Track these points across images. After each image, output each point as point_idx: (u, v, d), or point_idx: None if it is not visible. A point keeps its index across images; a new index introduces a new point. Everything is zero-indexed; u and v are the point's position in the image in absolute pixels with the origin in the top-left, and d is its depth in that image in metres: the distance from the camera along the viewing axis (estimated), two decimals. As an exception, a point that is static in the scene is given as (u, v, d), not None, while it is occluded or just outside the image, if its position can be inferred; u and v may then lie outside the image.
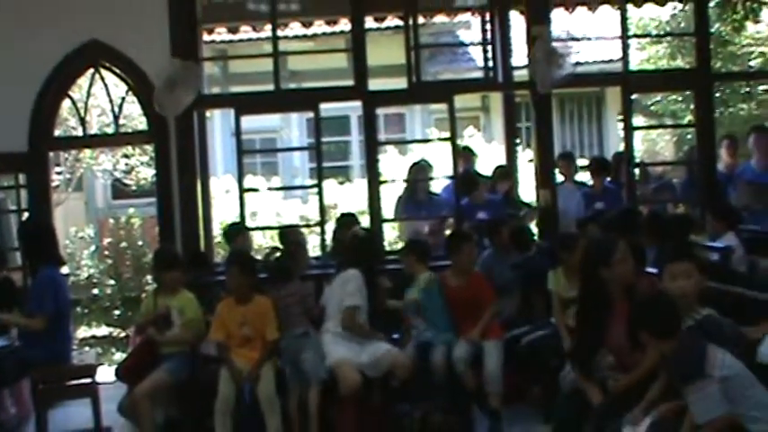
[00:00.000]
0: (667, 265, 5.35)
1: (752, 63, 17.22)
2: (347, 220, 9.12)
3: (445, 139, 9.79)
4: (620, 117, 10.20)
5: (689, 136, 14.89)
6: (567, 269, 7.35)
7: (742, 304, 6.12)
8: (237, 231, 8.95)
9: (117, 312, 13.94)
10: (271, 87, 9.43)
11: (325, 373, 7.06)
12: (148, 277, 12.90)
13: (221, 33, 12.62)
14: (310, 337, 7.31)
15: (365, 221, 9.31)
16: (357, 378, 6.95)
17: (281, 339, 7.24)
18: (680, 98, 17.53)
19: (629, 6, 10.12)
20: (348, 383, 6.91)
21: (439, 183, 10.69)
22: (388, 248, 9.62)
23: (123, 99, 9.60)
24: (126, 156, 15.73)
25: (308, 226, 10.33)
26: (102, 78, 9.37)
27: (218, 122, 17.37)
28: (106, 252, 14.93)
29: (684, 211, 10.04)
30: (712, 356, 4.74)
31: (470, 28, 15.51)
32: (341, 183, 15.09)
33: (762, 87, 17.38)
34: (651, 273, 6.29)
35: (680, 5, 14.80)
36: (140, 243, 14.63)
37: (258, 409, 6.90)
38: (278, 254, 8.22)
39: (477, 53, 13.52)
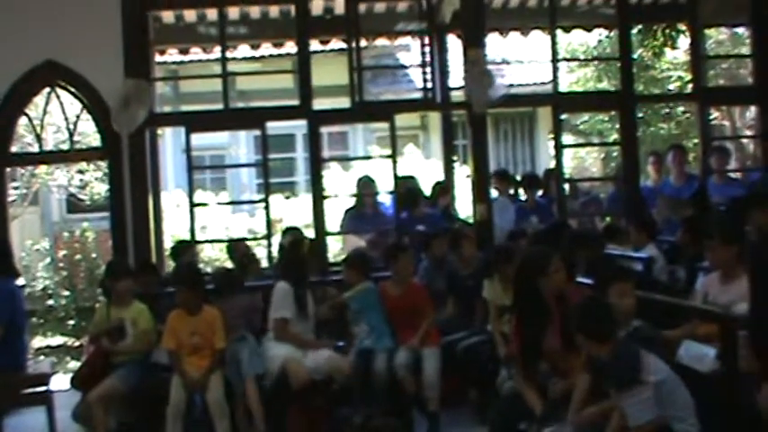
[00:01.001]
0: (613, 284, 5.39)
1: (671, 86, 17.46)
2: (292, 233, 9.11)
3: (386, 157, 9.79)
4: (551, 135, 10.30)
5: (614, 153, 15.05)
6: (503, 279, 7.38)
7: (663, 310, 6.19)
8: (183, 249, 8.89)
9: (71, 322, 13.75)
10: (220, 106, 9.40)
11: (262, 368, 7.07)
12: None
13: (173, 54, 12.51)
14: (247, 339, 7.30)
15: (310, 235, 9.30)
16: (306, 373, 7.00)
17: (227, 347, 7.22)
18: (606, 118, 17.70)
19: (559, 32, 10.20)
20: (298, 377, 6.95)
21: (381, 198, 10.67)
22: (332, 260, 9.58)
23: (78, 117, 9.50)
24: (80, 171, 15.50)
25: (255, 239, 10.28)
26: (58, 97, 9.27)
27: (170, 140, 17.22)
28: (61, 264, 14.72)
29: (610, 223, 10.13)
30: (647, 363, 4.79)
31: (410, 51, 15.58)
32: (287, 197, 15.01)
33: (680, 109, 17.64)
34: (580, 282, 6.35)
35: (605, 32, 14.99)
36: (94, 255, 14.44)
37: (208, 415, 6.85)
38: (229, 266, 8.20)
39: (416, 75, 13.58)
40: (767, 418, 5.03)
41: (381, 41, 13.84)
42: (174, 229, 11.40)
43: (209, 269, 10.23)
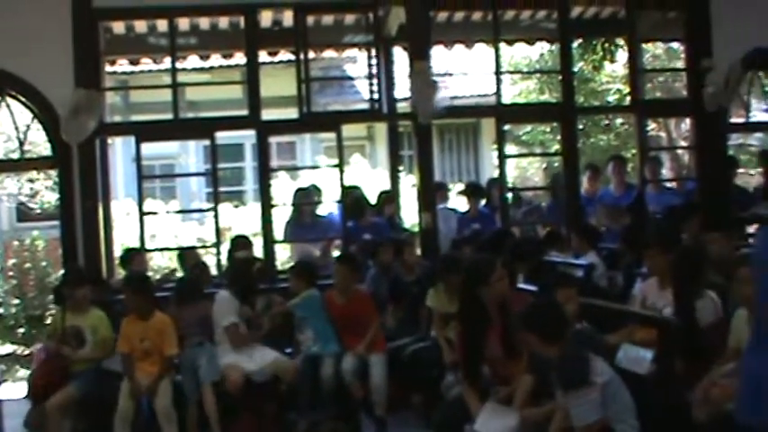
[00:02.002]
0: (558, 290, 5.41)
1: (610, 98, 17.62)
2: (241, 241, 9.06)
3: (333, 166, 9.78)
4: (494, 146, 10.35)
5: (556, 163, 15.14)
6: (448, 287, 7.38)
7: (603, 315, 6.24)
8: (132, 256, 8.79)
9: (21, 330, 13.51)
10: (170, 116, 9.32)
11: (218, 375, 7.05)
12: (52, 296, 12.58)
13: (123, 65, 12.38)
14: (205, 346, 7.24)
15: (258, 243, 9.25)
16: (240, 377, 6.99)
17: (181, 352, 7.17)
18: (547, 129, 17.81)
19: (502, 45, 10.27)
20: (232, 381, 6.95)
21: (328, 207, 10.64)
22: (280, 268, 9.55)
23: (28, 126, 9.34)
24: (31, 180, 15.29)
25: (204, 247, 10.20)
26: (8, 106, 9.11)
27: (120, 149, 17.03)
28: (11, 273, 14.48)
29: (551, 231, 10.18)
30: (594, 365, 4.81)
31: (357, 63, 15.58)
32: (236, 206, 14.90)
33: (619, 120, 17.82)
34: (522, 289, 6.38)
35: (547, 46, 15.08)
36: (44, 264, 14.22)
37: (156, 421, 6.78)
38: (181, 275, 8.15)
39: (363, 86, 13.55)
40: (698, 418, 5.13)
41: (329, 53, 13.80)
42: (124, 237, 11.27)
43: (158, 276, 10.11)
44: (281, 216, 10.02)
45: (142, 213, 9.23)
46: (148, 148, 9.65)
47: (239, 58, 10.75)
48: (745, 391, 4.00)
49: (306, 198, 10.21)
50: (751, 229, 10.29)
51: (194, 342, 7.25)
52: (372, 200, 10.60)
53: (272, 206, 9.37)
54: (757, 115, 11.84)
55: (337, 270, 7.69)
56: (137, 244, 9.33)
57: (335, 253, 9.67)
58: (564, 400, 4.84)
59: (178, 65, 9.61)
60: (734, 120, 11.20)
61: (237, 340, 7.27)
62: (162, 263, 12.10)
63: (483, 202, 10.83)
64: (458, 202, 11.63)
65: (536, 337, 5.01)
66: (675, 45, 14.10)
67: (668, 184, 11.49)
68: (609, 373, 4.86)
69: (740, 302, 5.55)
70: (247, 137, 12.83)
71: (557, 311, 5.12)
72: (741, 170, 14.11)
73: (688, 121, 12.06)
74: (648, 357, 5.51)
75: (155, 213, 11.14)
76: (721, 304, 6.08)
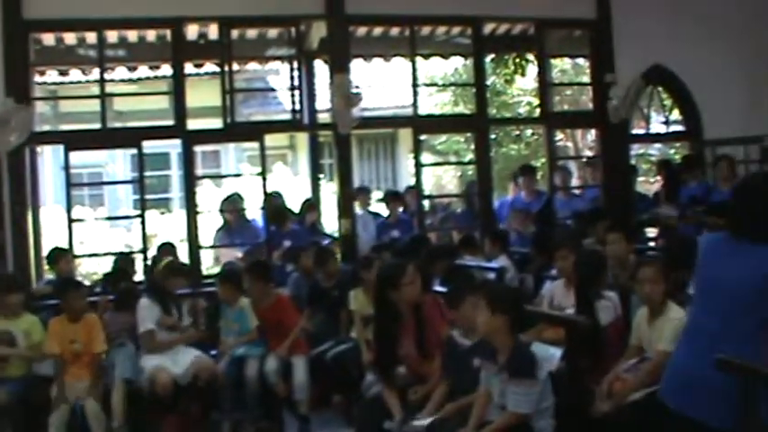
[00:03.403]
0: (467, 298, 5.46)
1: (521, 110, 17.91)
2: (166, 248, 8.99)
3: (256, 174, 9.76)
4: (411, 155, 10.43)
5: (470, 172, 15.31)
6: (366, 289, 7.44)
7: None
8: (59, 255, 8.64)
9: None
10: (98, 126, 9.18)
11: (132, 374, 6.96)
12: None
13: (52, 75, 12.22)
14: (126, 346, 7.17)
15: (184, 249, 9.20)
16: (169, 380, 6.89)
17: (107, 357, 7.10)
18: (462, 139, 18.03)
19: (419, 59, 10.35)
20: (161, 383, 6.84)
21: (252, 214, 10.61)
22: (205, 273, 9.49)
23: (-42, 135, 9.17)
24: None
25: (131, 253, 10.10)
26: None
27: (49, 157, 16.74)
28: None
29: (465, 236, 10.30)
30: (537, 363, 4.92)
31: (280, 75, 15.55)
32: (162, 213, 14.79)
33: (529, 131, 18.10)
34: (437, 291, 6.45)
35: (461, 60, 15.26)
36: (-28, 270, 13.92)
37: (88, 425, 6.67)
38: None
39: (285, 97, 13.49)
40: (601, 410, 5.26)
41: (253, 65, 13.82)
42: (52, 244, 11.07)
43: (87, 282, 9.96)
44: (207, 223, 9.97)
45: (71, 220, 9.09)
46: (77, 157, 9.53)
47: (166, 69, 10.69)
48: (673, 379, 4.17)
49: (231, 206, 10.19)
50: (650, 231, 10.58)
51: (117, 343, 7.17)
52: (294, 207, 10.62)
53: (198, 213, 9.31)
54: (656, 127, 12.13)
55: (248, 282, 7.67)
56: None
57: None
58: (507, 382, 4.88)
59: (106, 76, 9.49)
60: (635, 131, 11.48)
61: (152, 346, 7.16)
62: (90, 269, 11.92)
63: (401, 209, 10.91)
64: (380, 207, 11.70)
65: (504, 321, 4.94)
66: (581, 61, 14.39)
67: (576, 191, 11.70)
68: (544, 374, 4.96)
69: (641, 301, 5.69)
70: (173, 146, 12.70)
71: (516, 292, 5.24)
72: (641, 178, 14.48)
73: (593, 131, 12.28)
74: (557, 355, 5.63)
75: (83, 220, 10.98)
76: (621, 304, 6.22)
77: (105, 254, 10.24)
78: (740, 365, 3.79)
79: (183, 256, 9.16)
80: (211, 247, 10.05)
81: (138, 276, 8.92)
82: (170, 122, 9.41)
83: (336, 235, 9.95)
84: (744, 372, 3.77)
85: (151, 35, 10.24)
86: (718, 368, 3.81)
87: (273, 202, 10.01)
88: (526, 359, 4.90)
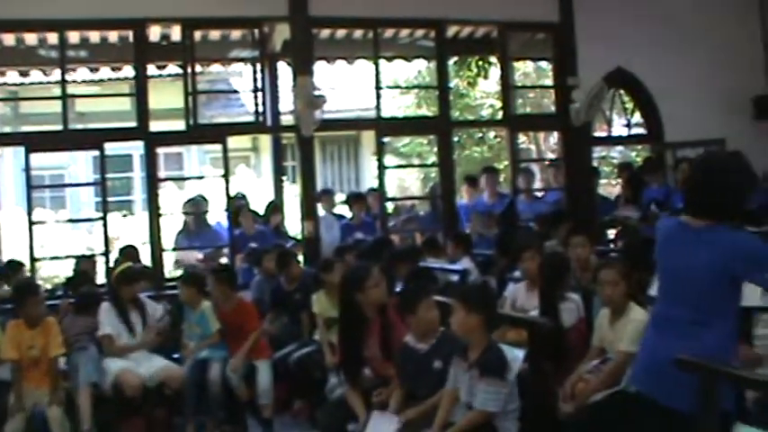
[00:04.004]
0: (422, 302, 5.46)
1: (483, 113, 17.97)
2: (128, 251, 8.93)
3: (219, 177, 9.73)
4: (375, 157, 10.43)
5: (433, 174, 15.34)
6: (329, 291, 7.44)
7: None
8: (15, 269, 8.50)
9: None
10: (59, 127, 9.11)
11: (97, 377, 6.89)
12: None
13: (13, 76, 12.11)
14: (88, 350, 7.07)
15: (146, 252, 9.14)
16: (138, 381, 6.87)
17: (68, 359, 7.00)
18: (425, 142, 18.05)
19: (382, 62, 10.38)
20: (131, 385, 6.81)
21: (216, 216, 10.57)
22: (168, 276, 9.44)
23: None
24: None
25: (93, 256, 10.02)
26: None
27: (10, 159, 16.58)
28: None
29: (428, 238, 10.31)
30: (508, 364, 4.94)
31: (243, 77, 15.49)
32: (124, 216, 14.68)
33: (492, 134, 18.15)
34: (399, 293, 6.45)
35: (425, 63, 15.29)
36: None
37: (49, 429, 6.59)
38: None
39: (248, 99, 13.49)
40: (565, 411, 5.29)
41: (216, 67, 13.77)
42: (13, 246, 10.97)
43: (48, 286, 9.86)
44: (170, 225, 9.92)
45: (31, 222, 9.00)
46: (38, 159, 9.45)
47: (128, 70, 10.64)
48: (644, 367, 4.23)
49: (195, 208, 10.14)
50: (612, 233, 10.67)
51: (79, 346, 7.07)
52: (258, 209, 10.59)
53: (160, 215, 9.26)
54: (618, 130, 12.24)
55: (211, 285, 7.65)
56: (26, 253, 9.06)
57: (223, 261, 9.63)
58: (477, 380, 4.89)
59: (68, 77, 9.42)
60: (597, 134, 11.57)
61: (111, 351, 7.12)
62: (52, 272, 11.80)
63: (364, 211, 10.91)
64: (343, 209, 11.69)
65: (480, 320, 4.96)
66: (544, 64, 14.45)
67: (538, 194, 11.77)
68: (512, 375, 4.98)
69: (602, 303, 5.73)
70: (136, 148, 12.64)
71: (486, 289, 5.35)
72: (604, 180, 14.59)
73: (556, 134, 12.36)
74: (520, 357, 5.65)
75: (44, 223, 10.88)
76: (584, 305, 6.26)
77: (66, 257, 10.14)
78: (698, 364, 3.84)
79: (146, 258, 9.10)
80: (173, 249, 9.99)
81: (100, 279, 8.85)
82: (132, 124, 9.35)
83: (300, 237, 9.94)
84: (702, 370, 3.82)
85: (113, 36, 10.17)
86: (678, 367, 3.85)
87: (237, 204, 9.99)
88: (498, 359, 4.93)
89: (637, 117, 11.69)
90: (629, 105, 11.53)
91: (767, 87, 11.53)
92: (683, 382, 3.87)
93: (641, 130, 11.71)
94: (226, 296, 7.53)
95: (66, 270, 9.87)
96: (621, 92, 11.32)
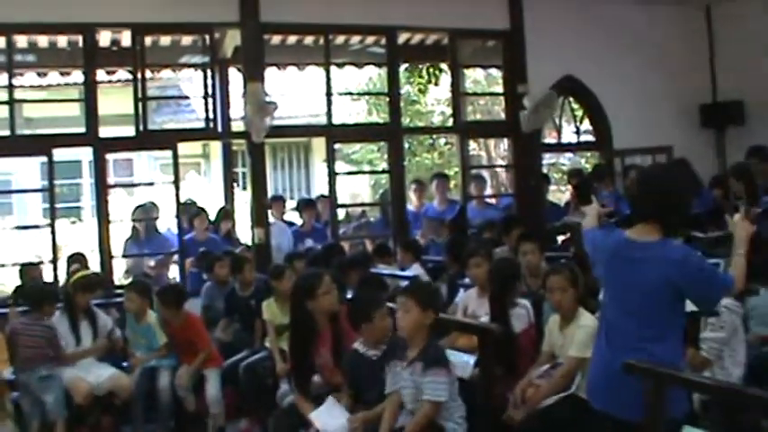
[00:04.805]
0: (376, 311, 5.48)
1: (434, 120, 18.04)
2: (76, 258, 8.84)
3: (169, 183, 9.66)
4: (325, 164, 10.43)
5: (383, 181, 15.37)
6: (279, 298, 7.42)
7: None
8: None
9: None
10: (6, 133, 8.97)
11: (66, 409, 6.77)
12: None
13: (-42, 80, 11.94)
14: (54, 379, 6.85)
15: (95, 259, 9.05)
16: (89, 389, 6.83)
17: (22, 374, 6.83)
18: (376, 148, 18.08)
19: (333, 68, 10.38)
20: (81, 392, 6.78)
21: (165, 223, 10.49)
22: (117, 283, 9.34)
23: None
24: None
25: (40, 263, 9.89)
26: None
27: (-44, 165, 16.35)
28: None
29: (379, 244, 10.33)
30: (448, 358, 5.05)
31: (193, 82, 15.41)
32: (73, 222, 14.54)
33: (442, 140, 18.25)
34: (350, 300, 6.47)
35: (376, 69, 15.33)
36: None
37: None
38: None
39: (198, 105, 13.43)
40: (514, 417, 5.34)
41: (166, 73, 13.67)
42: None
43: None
44: (119, 232, 9.84)
45: (-23, 229, 8.89)
46: (-16, 165, 9.32)
47: (77, 76, 10.51)
48: (595, 380, 4.28)
49: (145, 215, 10.07)
50: (560, 239, 10.76)
51: (42, 373, 6.79)
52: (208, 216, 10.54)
53: (110, 222, 9.17)
54: (567, 137, 12.37)
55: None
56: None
57: (173, 268, 9.57)
58: (421, 375, 4.94)
59: (15, 81, 9.27)
60: (547, 140, 11.68)
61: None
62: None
63: (315, 217, 10.91)
64: (294, 215, 11.67)
65: (432, 319, 5.12)
66: (494, 71, 14.55)
67: (489, 200, 11.85)
68: (453, 373, 5.06)
69: (552, 309, 5.80)
70: (85, 154, 12.51)
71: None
72: (553, 187, 14.72)
73: (506, 141, 12.45)
74: (471, 362, 5.70)
75: (-10, 229, 10.75)
76: (534, 311, 6.31)
77: (13, 264, 10.00)
78: (646, 368, 3.90)
79: (95, 266, 9.01)
80: (123, 256, 9.90)
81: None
82: (81, 130, 9.24)
83: (250, 244, 9.90)
84: (649, 374, 3.88)
85: (62, 41, 10.04)
86: (626, 372, 3.91)
87: (194, 210, 9.97)
88: (438, 350, 5.10)
89: (586, 124, 11.83)
90: (579, 113, 11.66)
91: (713, 95, 11.75)
92: (637, 393, 3.93)
93: (590, 137, 11.85)
94: (173, 314, 7.43)
95: (12, 279, 9.73)
96: (571, 99, 11.44)
